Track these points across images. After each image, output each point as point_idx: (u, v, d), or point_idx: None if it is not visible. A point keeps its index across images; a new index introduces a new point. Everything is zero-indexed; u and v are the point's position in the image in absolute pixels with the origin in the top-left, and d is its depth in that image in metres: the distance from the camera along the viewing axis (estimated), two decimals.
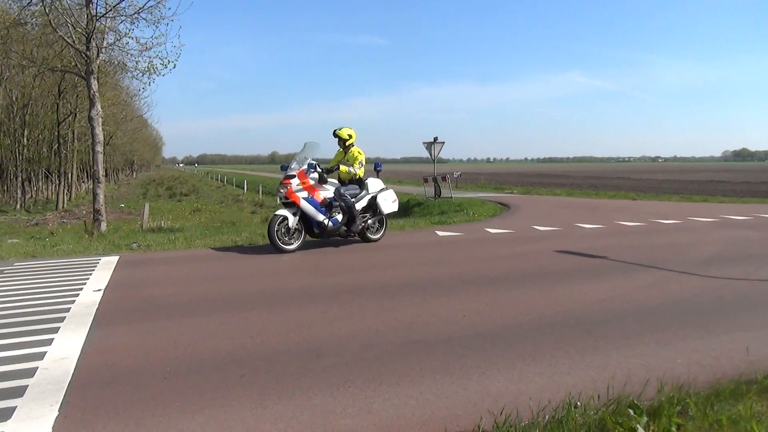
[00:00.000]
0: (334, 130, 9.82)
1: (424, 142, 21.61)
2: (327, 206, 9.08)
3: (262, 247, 9.74)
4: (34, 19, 15.72)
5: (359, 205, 9.53)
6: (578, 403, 3.16)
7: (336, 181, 9.59)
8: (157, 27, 14.13)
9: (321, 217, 8.98)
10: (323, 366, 3.87)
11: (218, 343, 4.42)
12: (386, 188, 10.10)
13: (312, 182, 9.04)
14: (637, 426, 2.81)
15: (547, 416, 3.03)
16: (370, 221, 9.78)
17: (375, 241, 9.91)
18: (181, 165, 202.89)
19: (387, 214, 10.05)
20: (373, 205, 9.78)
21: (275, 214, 8.87)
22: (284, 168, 9.35)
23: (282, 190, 9.06)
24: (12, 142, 30.48)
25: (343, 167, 9.50)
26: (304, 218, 8.99)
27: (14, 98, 28.79)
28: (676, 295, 5.93)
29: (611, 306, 5.46)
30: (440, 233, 11.33)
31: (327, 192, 9.17)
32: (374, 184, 9.96)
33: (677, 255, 8.38)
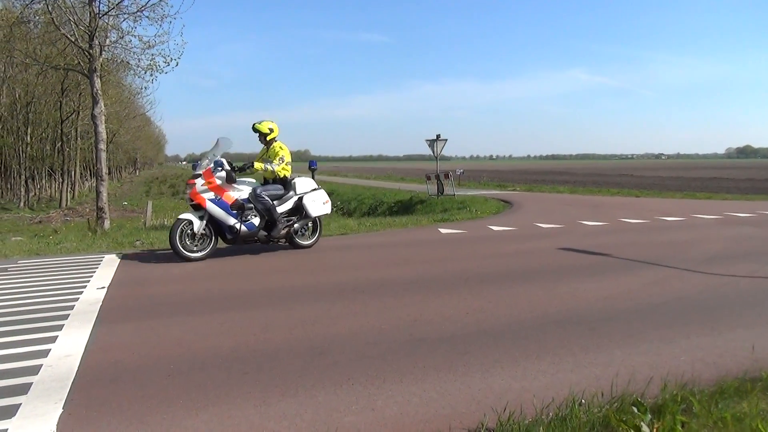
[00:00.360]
0: (253, 124, 8.86)
1: (426, 140, 21.61)
2: (239, 208, 8.08)
3: (266, 245, 9.75)
4: (37, 17, 15.76)
5: (283, 208, 8.57)
6: (582, 400, 3.16)
7: (254, 181, 8.66)
8: (159, 25, 14.15)
9: (232, 221, 8.01)
10: (327, 363, 3.88)
11: (222, 340, 4.42)
12: (317, 188, 9.07)
13: (219, 182, 8.02)
14: (641, 424, 2.80)
15: (550, 414, 3.02)
16: (297, 225, 8.72)
17: (306, 247, 8.93)
18: (183, 162, 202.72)
19: (318, 217, 9.09)
20: (300, 208, 8.75)
21: (178, 218, 7.96)
22: (195, 166, 8.40)
23: (187, 191, 8.22)
24: (15, 140, 30.56)
25: (257, 164, 8.51)
26: (214, 222, 8.03)
27: (17, 96, 28.86)
28: (679, 292, 5.91)
29: (615, 303, 5.45)
30: (443, 231, 11.33)
31: (240, 193, 8.20)
32: (303, 184, 8.93)
33: (681, 252, 8.36)
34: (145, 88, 35.58)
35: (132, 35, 14.47)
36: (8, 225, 20.13)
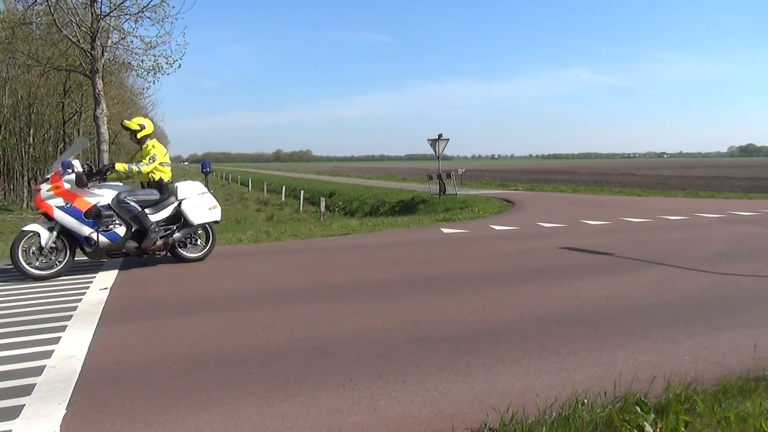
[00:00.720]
0: (122, 121, 8.15)
1: (428, 139, 21.60)
2: (95, 216, 6.96)
3: (267, 245, 9.76)
4: (39, 19, 15.81)
5: (159, 216, 7.53)
6: (585, 400, 3.16)
7: (122, 185, 7.59)
8: (161, 26, 14.18)
9: (87, 231, 6.90)
10: (329, 363, 3.88)
11: (224, 340, 4.43)
12: (204, 192, 8.01)
13: (68, 186, 6.91)
14: (645, 423, 2.80)
15: (554, 413, 3.03)
16: (177, 235, 7.66)
17: (194, 260, 7.94)
18: (186, 163, 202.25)
19: (208, 224, 8.10)
20: (179, 215, 7.74)
21: (21, 230, 6.86)
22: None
23: (33, 199, 7.20)
24: (18, 141, 30.65)
25: (119, 165, 7.40)
26: (68, 233, 6.96)
27: (20, 97, 28.95)
28: (682, 291, 5.90)
29: (617, 303, 5.44)
30: (445, 230, 11.32)
31: (99, 198, 7.09)
32: (186, 188, 7.88)
33: (683, 251, 8.34)
34: (147, 88, 35.59)
35: (134, 36, 14.52)
36: (11, 226, 20.16)
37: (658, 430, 2.78)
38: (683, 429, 2.77)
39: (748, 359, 3.89)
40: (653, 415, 2.89)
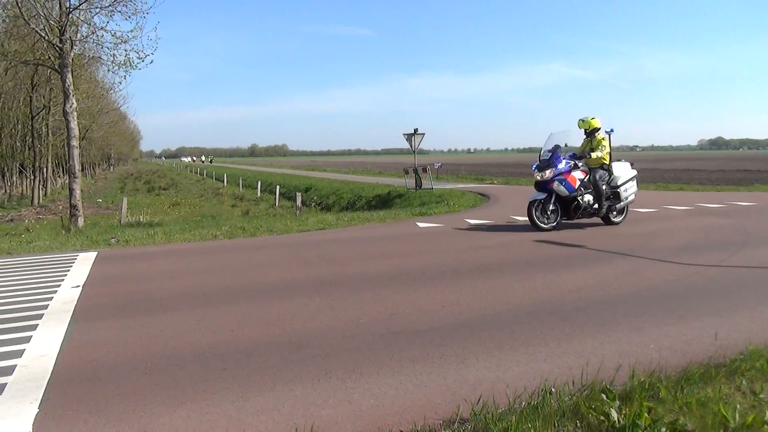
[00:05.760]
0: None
1: (404, 134, 21.65)
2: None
3: (242, 240, 9.73)
4: (4, 11, 15.40)
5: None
6: (553, 389, 3.24)
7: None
8: (134, 20, 13.95)
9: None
10: (304, 358, 3.91)
11: (199, 337, 4.42)
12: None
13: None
14: (610, 410, 2.89)
15: (523, 403, 3.11)
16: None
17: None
18: (163, 159, 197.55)
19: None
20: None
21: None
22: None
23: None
24: None
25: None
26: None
27: None
28: (650, 282, 6.06)
29: (588, 294, 5.57)
30: (421, 224, 11.40)
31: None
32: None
33: (652, 243, 8.54)
34: (120, 83, 34.95)
35: (104, 30, 14.25)
36: None
37: (622, 416, 2.87)
38: (647, 415, 2.86)
39: (711, 347, 4.03)
40: (618, 402, 2.99)
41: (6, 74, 26.61)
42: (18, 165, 35.97)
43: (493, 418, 2.89)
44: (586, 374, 3.45)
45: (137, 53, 14.58)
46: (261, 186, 35.44)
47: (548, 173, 9.83)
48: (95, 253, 8.40)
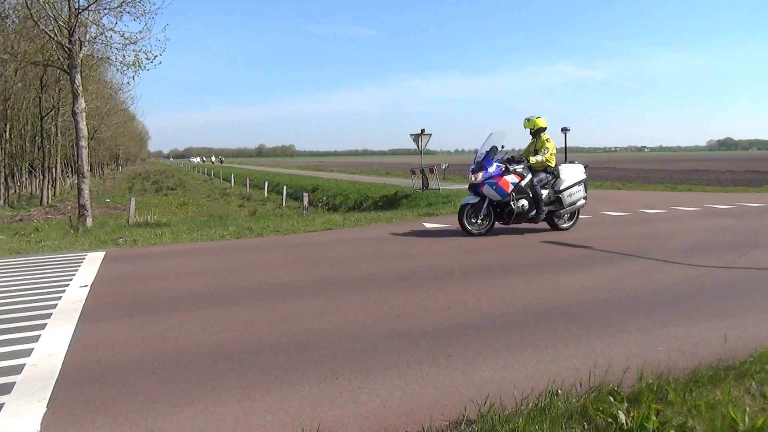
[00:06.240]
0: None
1: (411, 134, 21.63)
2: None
3: (249, 241, 9.75)
4: (14, 12, 15.52)
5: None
6: (560, 391, 3.23)
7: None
8: (143, 21, 14.02)
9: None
10: (311, 358, 3.91)
11: (206, 337, 4.44)
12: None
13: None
14: (618, 412, 2.88)
15: (530, 404, 3.09)
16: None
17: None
18: (171, 159, 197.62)
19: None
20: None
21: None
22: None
23: None
24: None
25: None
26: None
27: None
28: (658, 283, 6.02)
29: (595, 295, 5.54)
30: (427, 225, 11.39)
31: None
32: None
33: (661, 244, 8.49)
34: (128, 83, 35.15)
35: (113, 31, 14.32)
36: None
37: (630, 418, 2.86)
38: (654, 417, 2.84)
39: (719, 349, 4.00)
40: (626, 404, 2.97)
41: (16, 75, 26.81)
42: (27, 165, 36.24)
43: (500, 420, 2.88)
44: (594, 376, 3.43)
45: (146, 54, 14.64)
46: (268, 186, 35.52)
47: (480, 176, 9.51)
48: (103, 253, 8.45)
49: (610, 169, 49.13)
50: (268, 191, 34.66)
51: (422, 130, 21.30)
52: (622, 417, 2.85)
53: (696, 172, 40.65)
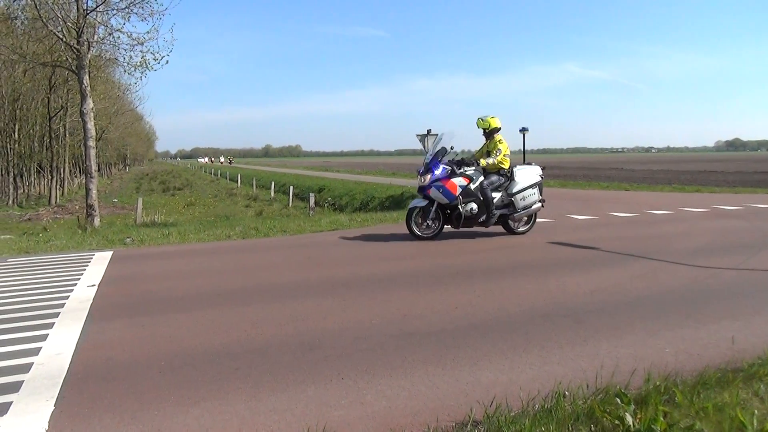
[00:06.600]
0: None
1: (417, 135, 21.60)
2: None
3: (256, 241, 9.77)
4: (23, 14, 15.63)
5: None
6: (567, 392, 3.22)
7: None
8: (150, 21, 14.09)
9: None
10: (317, 358, 3.92)
11: (213, 336, 4.45)
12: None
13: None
14: (625, 414, 2.86)
15: (536, 406, 3.09)
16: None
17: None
18: (178, 159, 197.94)
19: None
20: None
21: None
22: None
23: None
24: (3, 137, 30.29)
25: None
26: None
27: (4, 93, 28.58)
28: (666, 285, 5.99)
29: (602, 297, 5.52)
30: None
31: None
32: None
33: (668, 245, 8.45)
34: (135, 84, 35.33)
35: (121, 32, 14.40)
36: None
37: (637, 420, 2.84)
38: (662, 419, 2.83)
39: (727, 351, 3.97)
40: (633, 406, 2.95)
41: (24, 76, 27.02)
42: (36, 165, 36.49)
43: (506, 421, 2.87)
44: (601, 378, 3.42)
45: (153, 55, 14.71)
46: (274, 186, 35.60)
47: (427, 179, 9.18)
48: (111, 253, 8.49)
49: (617, 170, 48.94)
50: (274, 191, 34.74)
51: (428, 131, 21.27)
52: (629, 419, 2.83)
53: (704, 173, 40.43)
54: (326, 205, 27.07)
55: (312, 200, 17.45)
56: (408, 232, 9.37)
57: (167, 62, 14.85)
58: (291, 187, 28.64)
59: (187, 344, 4.29)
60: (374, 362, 3.83)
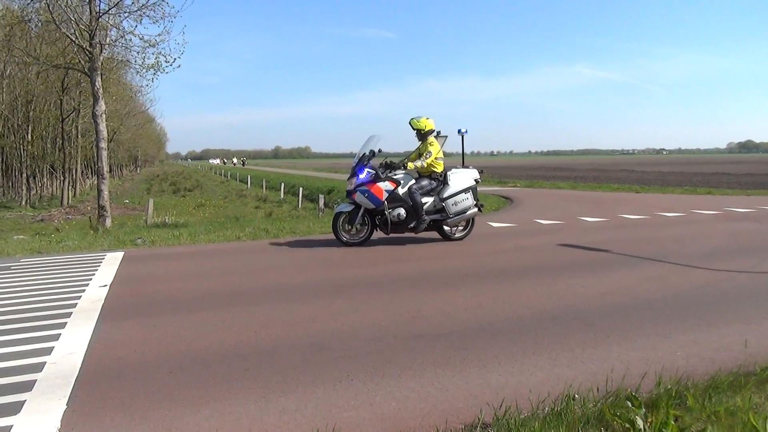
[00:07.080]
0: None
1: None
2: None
3: (266, 242, 9.80)
4: (37, 16, 15.78)
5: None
6: (576, 395, 3.20)
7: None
8: (162, 24, 14.18)
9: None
10: (326, 360, 3.93)
11: (223, 337, 4.47)
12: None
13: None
14: (636, 418, 2.85)
15: (546, 408, 3.08)
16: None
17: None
18: (189, 161, 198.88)
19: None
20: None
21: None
22: None
23: None
24: (16, 138, 30.59)
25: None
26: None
27: (18, 95, 28.86)
28: (677, 288, 5.95)
29: (613, 299, 5.49)
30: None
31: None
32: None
33: (680, 248, 8.39)
34: (147, 86, 35.56)
35: (133, 34, 14.51)
36: (10, 223, 20.19)
37: (648, 424, 2.83)
38: (673, 423, 2.81)
39: (740, 354, 3.93)
40: (644, 409, 2.94)
41: (38, 78, 27.26)
42: (48, 166, 36.80)
43: (516, 424, 2.86)
44: (611, 381, 3.40)
45: (165, 57, 14.79)
46: (284, 188, 35.68)
47: (352, 182, 8.93)
48: (122, 253, 8.55)
49: (628, 172, 48.64)
50: (284, 193, 34.83)
51: (438, 132, 21.27)
52: (639, 423, 2.82)
53: (716, 174, 40.07)
54: (335, 206, 27.10)
55: (321, 202, 17.48)
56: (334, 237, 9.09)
57: (179, 65, 14.94)
58: (300, 189, 28.69)
59: (198, 345, 4.31)
60: (384, 364, 3.83)
